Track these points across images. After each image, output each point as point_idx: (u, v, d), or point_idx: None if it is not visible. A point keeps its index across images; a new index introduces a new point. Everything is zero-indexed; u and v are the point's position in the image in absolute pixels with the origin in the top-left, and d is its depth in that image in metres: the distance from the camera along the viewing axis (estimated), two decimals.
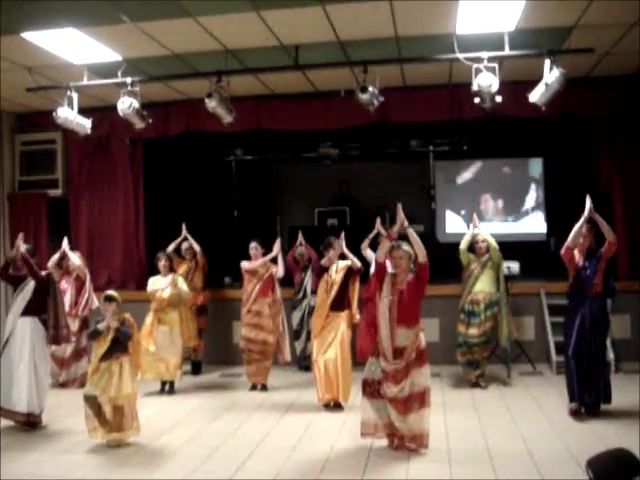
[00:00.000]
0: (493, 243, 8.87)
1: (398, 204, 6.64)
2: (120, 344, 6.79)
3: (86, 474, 5.96)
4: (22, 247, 7.54)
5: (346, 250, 8.25)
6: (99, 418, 6.65)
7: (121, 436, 6.69)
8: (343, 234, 8.42)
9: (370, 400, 6.44)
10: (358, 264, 8.18)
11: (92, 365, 6.82)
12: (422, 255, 6.34)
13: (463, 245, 8.97)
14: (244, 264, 9.17)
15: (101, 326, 6.76)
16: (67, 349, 9.38)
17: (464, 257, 8.96)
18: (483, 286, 8.85)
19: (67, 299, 9.48)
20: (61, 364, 9.45)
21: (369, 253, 8.95)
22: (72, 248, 10.57)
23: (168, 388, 9.12)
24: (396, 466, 5.99)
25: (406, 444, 6.34)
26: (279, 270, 9.21)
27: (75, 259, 9.58)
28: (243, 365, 9.34)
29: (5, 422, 7.41)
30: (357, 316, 8.26)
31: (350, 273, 8.18)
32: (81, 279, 9.68)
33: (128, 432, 6.75)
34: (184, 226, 9.89)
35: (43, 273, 7.68)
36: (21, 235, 7.72)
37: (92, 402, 6.63)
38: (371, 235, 9.01)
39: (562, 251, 7.51)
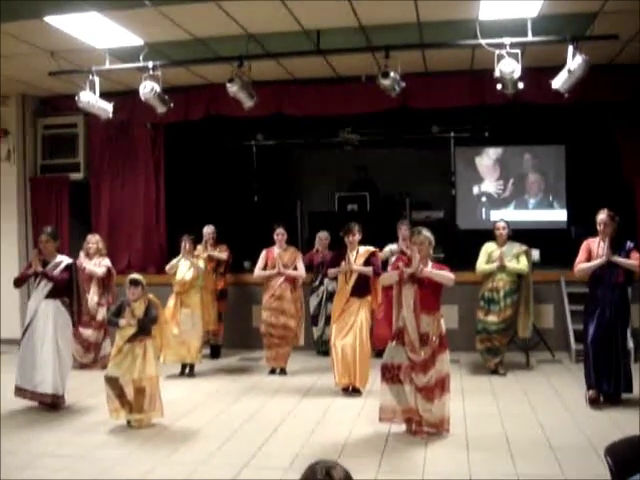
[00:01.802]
0: (523, 269, 8.88)
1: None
2: (145, 328, 6.87)
3: (106, 454, 6.03)
4: (39, 267, 7.54)
5: (356, 267, 8.10)
6: (120, 399, 6.73)
7: (142, 417, 6.77)
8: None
9: (389, 385, 6.46)
10: (370, 273, 8.09)
11: (115, 346, 6.89)
12: (447, 281, 6.40)
13: (480, 266, 9.01)
14: (261, 273, 9.25)
15: (121, 322, 6.83)
16: (93, 332, 9.51)
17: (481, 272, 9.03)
18: (504, 274, 8.83)
19: (94, 288, 9.62)
20: (87, 346, 9.57)
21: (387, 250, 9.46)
22: (92, 231, 10.71)
23: (188, 371, 9.20)
24: (413, 451, 6.02)
25: (424, 429, 6.37)
26: (301, 273, 9.26)
27: (96, 270, 9.71)
28: (262, 349, 9.40)
29: (26, 402, 7.52)
30: (378, 303, 8.34)
31: (370, 258, 8.17)
32: (110, 271, 9.82)
33: (150, 413, 6.83)
34: None
35: (65, 265, 7.69)
36: (36, 252, 7.77)
37: (114, 383, 6.70)
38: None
39: (574, 271, 7.56)
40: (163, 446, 6.25)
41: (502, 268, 8.79)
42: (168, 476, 5.49)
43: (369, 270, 8.06)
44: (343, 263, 8.12)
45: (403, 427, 6.52)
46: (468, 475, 5.38)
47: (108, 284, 9.79)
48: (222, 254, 10.13)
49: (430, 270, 6.34)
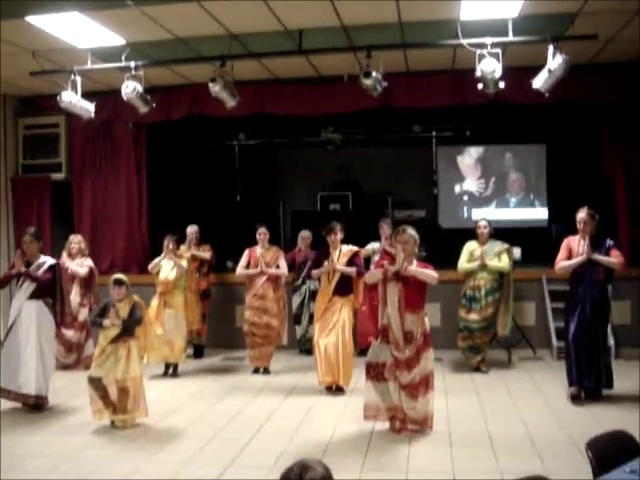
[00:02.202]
0: (504, 267, 8.92)
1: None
2: (129, 329, 6.86)
3: (91, 454, 6.04)
4: (22, 267, 7.52)
5: (339, 267, 8.11)
6: (104, 400, 6.73)
7: (126, 417, 6.78)
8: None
9: (374, 383, 6.50)
10: (354, 274, 8.13)
11: (99, 347, 6.88)
12: (431, 280, 6.44)
13: (462, 265, 9.06)
14: (243, 271, 9.25)
15: (105, 323, 6.82)
16: (75, 333, 9.48)
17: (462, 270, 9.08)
18: (486, 272, 8.89)
19: (76, 288, 9.59)
20: (69, 347, 9.53)
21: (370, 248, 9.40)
22: (75, 231, 10.67)
23: (172, 371, 9.20)
24: (397, 448, 6.07)
25: (408, 426, 6.42)
26: (283, 271, 9.27)
27: (78, 270, 9.67)
28: (246, 349, 9.41)
29: (10, 403, 7.50)
30: (360, 302, 8.38)
31: (353, 258, 8.20)
32: (92, 271, 9.78)
33: (134, 414, 6.84)
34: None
35: (48, 265, 7.66)
36: (19, 252, 7.70)
37: (97, 384, 6.70)
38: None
39: (555, 269, 7.64)
40: (147, 446, 6.26)
41: (484, 267, 8.86)
42: (153, 475, 5.50)
43: (352, 270, 8.09)
44: (326, 263, 8.15)
45: (387, 425, 6.56)
46: (451, 471, 5.43)
47: (90, 284, 9.76)
48: (205, 253, 10.14)
49: (415, 268, 6.39)
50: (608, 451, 3.10)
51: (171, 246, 9.18)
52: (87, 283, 9.74)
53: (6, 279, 7.83)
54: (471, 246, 9.05)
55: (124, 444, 6.31)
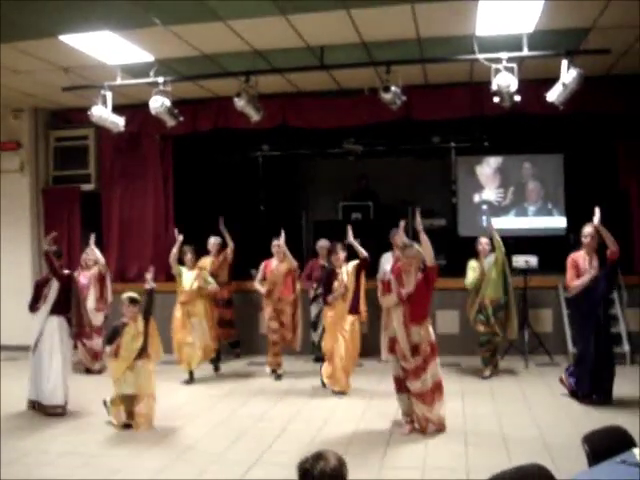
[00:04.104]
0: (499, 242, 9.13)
1: (417, 210, 6.91)
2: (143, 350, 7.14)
3: (119, 453, 6.35)
4: (46, 246, 7.97)
5: (353, 241, 8.43)
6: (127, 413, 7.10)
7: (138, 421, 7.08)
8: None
9: (400, 394, 6.85)
10: (364, 253, 8.39)
11: (119, 367, 7.15)
12: (430, 259, 6.66)
13: (469, 281, 9.28)
14: (258, 286, 9.73)
15: (107, 350, 7.20)
16: (96, 339, 9.85)
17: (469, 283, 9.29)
18: (490, 291, 9.13)
19: (92, 294, 9.97)
20: (94, 355, 9.98)
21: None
22: (101, 242, 11.02)
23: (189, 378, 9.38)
24: (414, 448, 6.33)
25: (428, 427, 6.71)
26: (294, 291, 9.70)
27: (99, 255, 10.11)
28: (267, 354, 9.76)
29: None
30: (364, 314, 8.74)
31: (360, 270, 8.51)
32: (101, 273, 10.14)
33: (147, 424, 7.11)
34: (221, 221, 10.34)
35: (65, 272, 8.05)
36: (52, 235, 8.15)
37: (123, 398, 7.06)
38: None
39: (567, 286, 8.00)
40: (175, 447, 6.57)
41: (487, 284, 9.10)
42: (180, 474, 5.80)
43: (364, 254, 8.38)
44: (336, 283, 8.47)
45: (404, 426, 6.83)
46: (465, 469, 5.68)
47: (103, 287, 10.14)
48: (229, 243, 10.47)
49: (424, 237, 6.70)
50: (603, 444, 3.33)
51: (189, 256, 9.51)
52: (101, 287, 10.12)
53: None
54: (473, 263, 9.28)
55: (152, 444, 6.61)
